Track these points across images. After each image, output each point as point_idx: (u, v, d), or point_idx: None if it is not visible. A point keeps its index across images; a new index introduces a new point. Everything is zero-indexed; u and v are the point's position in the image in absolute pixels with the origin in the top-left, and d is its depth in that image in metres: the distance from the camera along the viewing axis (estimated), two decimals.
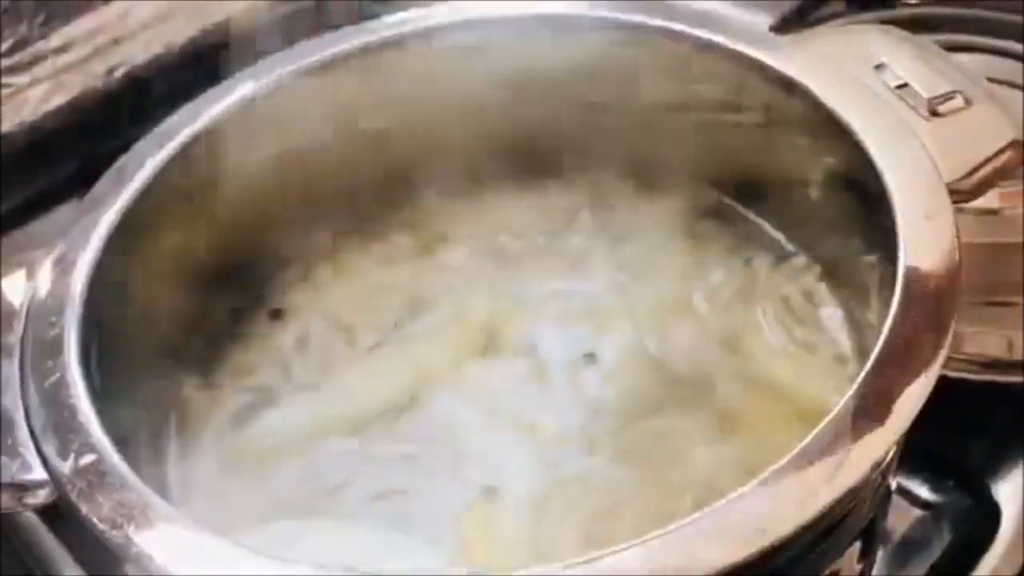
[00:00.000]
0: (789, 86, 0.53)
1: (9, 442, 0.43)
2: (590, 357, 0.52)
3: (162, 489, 0.45)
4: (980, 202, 0.54)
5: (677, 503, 0.46)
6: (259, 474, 0.50)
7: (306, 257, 0.58)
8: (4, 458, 0.42)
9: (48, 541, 0.52)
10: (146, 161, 0.53)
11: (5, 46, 0.75)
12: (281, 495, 0.49)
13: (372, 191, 0.59)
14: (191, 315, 0.54)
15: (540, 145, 0.59)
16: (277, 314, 0.56)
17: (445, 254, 0.58)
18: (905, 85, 0.51)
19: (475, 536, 0.46)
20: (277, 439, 0.51)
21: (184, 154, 0.53)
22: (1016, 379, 0.58)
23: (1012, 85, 0.68)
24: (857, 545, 0.44)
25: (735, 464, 0.47)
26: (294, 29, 0.63)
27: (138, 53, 0.75)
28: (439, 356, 0.53)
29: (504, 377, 0.52)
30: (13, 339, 0.46)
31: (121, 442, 0.43)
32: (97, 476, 0.41)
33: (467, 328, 0.54)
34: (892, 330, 0.42)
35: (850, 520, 0.41)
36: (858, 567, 0.46)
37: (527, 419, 0.50)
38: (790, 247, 0.56)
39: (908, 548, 0.55)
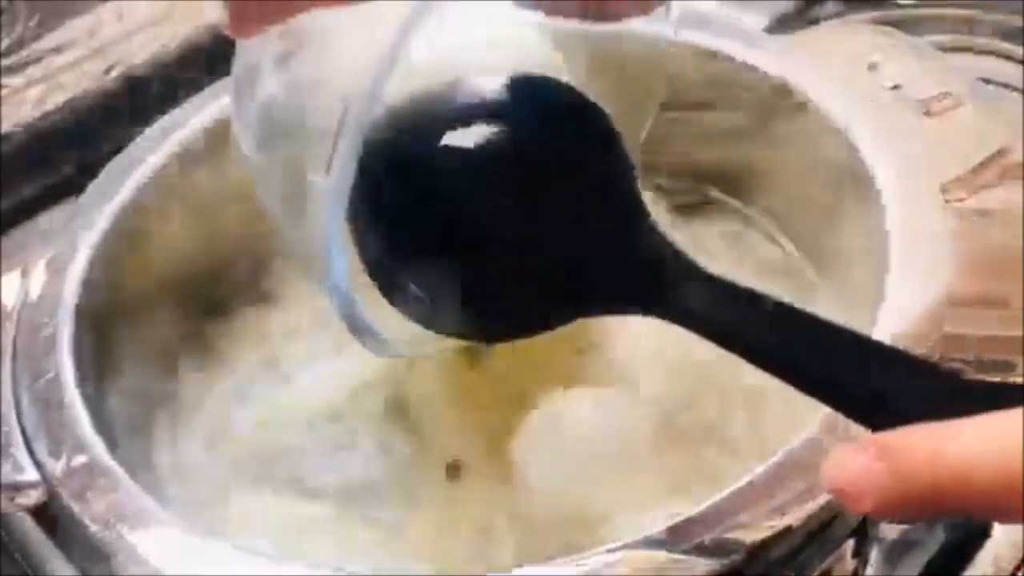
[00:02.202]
0: (783, 87, 0.53)
1: (1, 442, 0.43)
2: None
3: (153, 486, 0.45)
4: (974, 202, 0.54)
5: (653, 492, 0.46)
6: (243, 463, 0.50)
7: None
8: None
9: (41, 541, 0.52)
10: (141, 161, 0.53)
11: (2, 47, 0.75)
12: (263, 483, 0.49)
13: None
14: (185, 313, 0.54)
15: None
16: (266, 296, 0.56)
17: None
18: (898, 86, 0.51)
19: (438, 517, 0.47)
20: (264, 430, 0.51)
21: (179, 154, 0.53)
22: (1011, 379, 0.58)
23: (1007, 86, 0.68)
24: (850, 543, 0.44)
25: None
26: None
27: (135, 53, 0.75)
28: None
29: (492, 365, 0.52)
30: (6, 339, 0.46)
31: (113, 442, 0.43)
32: (89, 476, 0.41)
33: None
34: (881, 329, 0.42)
35: (843, 518, 0.41)
36: (851, 565, 0.46)
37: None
38: (784, 245, 0.56)
39: (902, 546, 0.55)
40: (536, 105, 0.39)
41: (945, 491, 0.29)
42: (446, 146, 0.37)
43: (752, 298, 0.36)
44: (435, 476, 0.48)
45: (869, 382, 0.34)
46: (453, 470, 0.48)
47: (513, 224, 0.38)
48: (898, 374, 0.33)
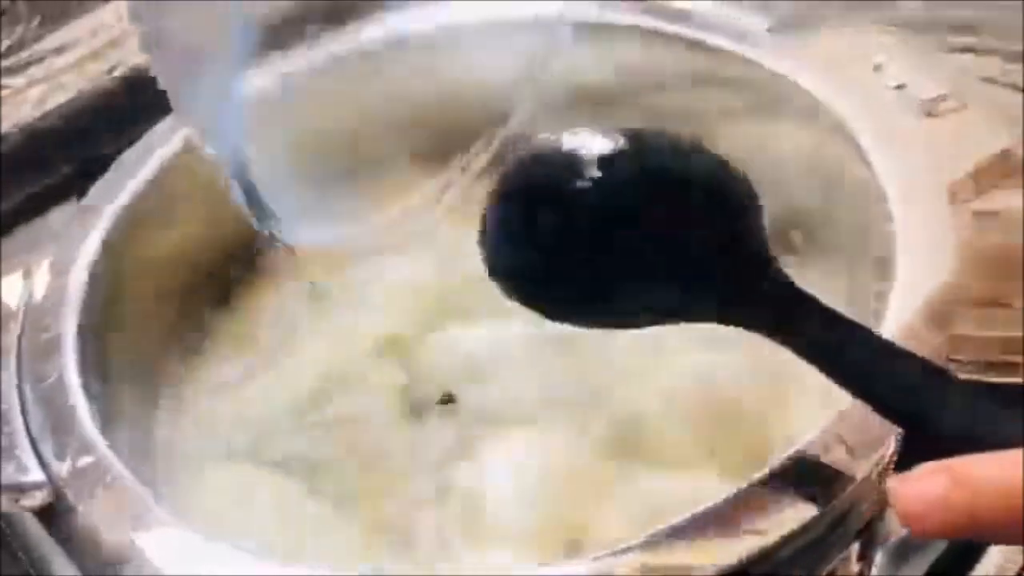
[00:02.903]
0: (788, 87, 0.53)
1: (6, 444, 0.43)
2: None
3: (153, 481, 0.45)
4: (978, 203, 0.54)
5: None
6: (239, 451, 0.50)
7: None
8: (2, 460, 0.42)
9: (46, 542, 0.52)
10: (143, 163, 0.53)
11: (2, 47, 0.75)
12: (257, 466, 0.50)
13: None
14: (186, 312, 0.54)
15: None
16: (264, 292, 0.56)
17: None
18: (902, 86, 0.51)
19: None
20: (258, 419, 0.51)
21: (180, 156, 0.53)
22: (1015, 380, 0.58)
23: (1012, 86, 0.68)
24: (855, 546, 0.44)
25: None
26: (292, 29, 0.63)
27: (135, 54, 0.75)
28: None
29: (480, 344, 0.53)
30: (11, 340, 0.46)
31: (117, 442, 0.43)
32: (94, 477, 0.41)
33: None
34: (887, 330, 0.42)
35: (848, 520, 0.41)
36: (856, 568, 0.46)
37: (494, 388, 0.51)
38: (788, 244, 0.56)
39: (907, 548, 0.54)
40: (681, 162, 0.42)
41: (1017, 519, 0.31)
42: (587, 184, 0.40)
43: (854, 330, 0.39)
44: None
45: (946, 409, 0.37)
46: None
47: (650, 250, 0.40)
48: (980, 404, 0.37)
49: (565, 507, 0.46)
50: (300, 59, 0.56)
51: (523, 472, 0.47)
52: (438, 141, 0.57)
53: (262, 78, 0.54)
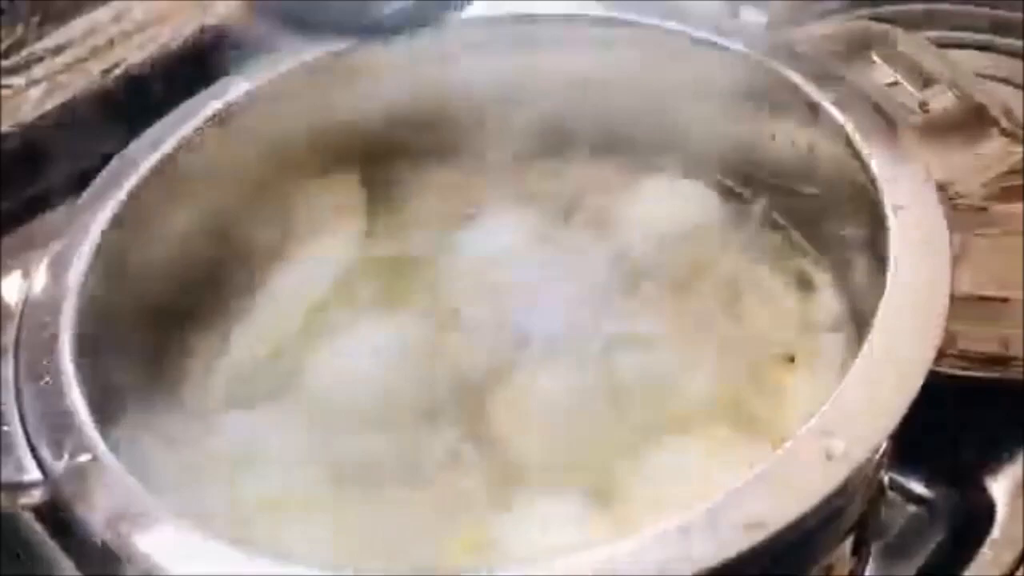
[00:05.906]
0: (782, 82, 0.53)
1: (4, 442, 0.43)
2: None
3: (152, 481, 0.46)
4: (973, 200, 0.54)
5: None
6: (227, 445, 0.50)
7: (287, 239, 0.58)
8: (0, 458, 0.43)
9: (43, 541, 0.52)
10: (140, 161, 0.53)
11: (1, 48, 0.75)
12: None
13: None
14: (183, 311, 0.54)
15: (549, 137, 0.60)
16: (260, 287, 0.56)
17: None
18: (897, 82, 0.51)
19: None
20: (253, 414, 0.52)
21: (177, 154, 0.53)
22: (1011, 375, 0.58)
23: (1009, 82, 0.68)
24: (850, 540, 0.44)
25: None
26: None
27: (134, 54, 0.75)
28: None
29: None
30: (9, 339, 0.46)
31: (114, 440, 0.43)
32: (91, 476, 0.41)
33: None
34: (882, 325, 0.42)
35: (842, 515, 0.41)
36: (851, 561, 0.46)
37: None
38: (790, 237, 0.56)
39: (903, 543, 0.55)
40: None
41: None
42: None
43: None
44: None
45: None
46: None
47: None
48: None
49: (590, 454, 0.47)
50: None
51: (549, 418, 0.48)
52: None
53: None
